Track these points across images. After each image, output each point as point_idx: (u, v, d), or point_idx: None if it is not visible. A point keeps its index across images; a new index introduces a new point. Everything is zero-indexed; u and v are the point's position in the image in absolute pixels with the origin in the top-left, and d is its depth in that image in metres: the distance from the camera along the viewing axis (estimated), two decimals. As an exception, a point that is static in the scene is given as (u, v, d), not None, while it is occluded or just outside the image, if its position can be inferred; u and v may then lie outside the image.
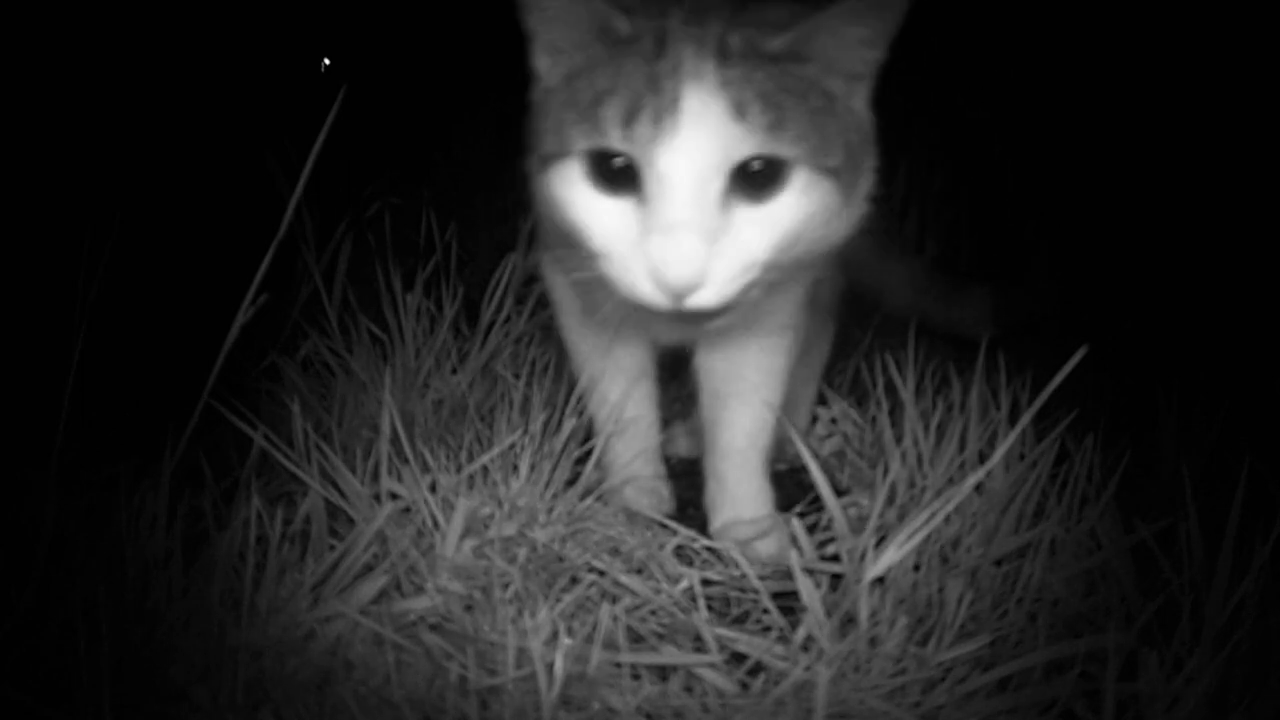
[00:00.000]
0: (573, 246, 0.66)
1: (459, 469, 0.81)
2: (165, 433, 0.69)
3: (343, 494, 0.76)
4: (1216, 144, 1.24)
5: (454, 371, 1.00)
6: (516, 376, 0.99)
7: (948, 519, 0.72)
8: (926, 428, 0.82)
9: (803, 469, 0.78)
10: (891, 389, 0.86)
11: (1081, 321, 1.06)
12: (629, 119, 0.58)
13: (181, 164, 1.13)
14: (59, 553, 0.64)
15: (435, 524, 0.75)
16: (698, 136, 0.58)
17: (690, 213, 0.58)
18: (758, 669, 0.66)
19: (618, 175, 0.60)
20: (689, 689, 0.65)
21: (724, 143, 0.58)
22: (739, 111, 0.58)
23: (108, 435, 0.71)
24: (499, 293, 1.05)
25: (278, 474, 0.78)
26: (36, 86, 1.07)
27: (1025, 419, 0.66)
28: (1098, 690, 0.58)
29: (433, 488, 0.78)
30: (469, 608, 0.70)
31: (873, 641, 0.67)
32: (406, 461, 0.78)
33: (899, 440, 0.80)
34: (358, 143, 1.02)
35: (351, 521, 0.74)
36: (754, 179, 0.60)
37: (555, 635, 0.67)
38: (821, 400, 1.04)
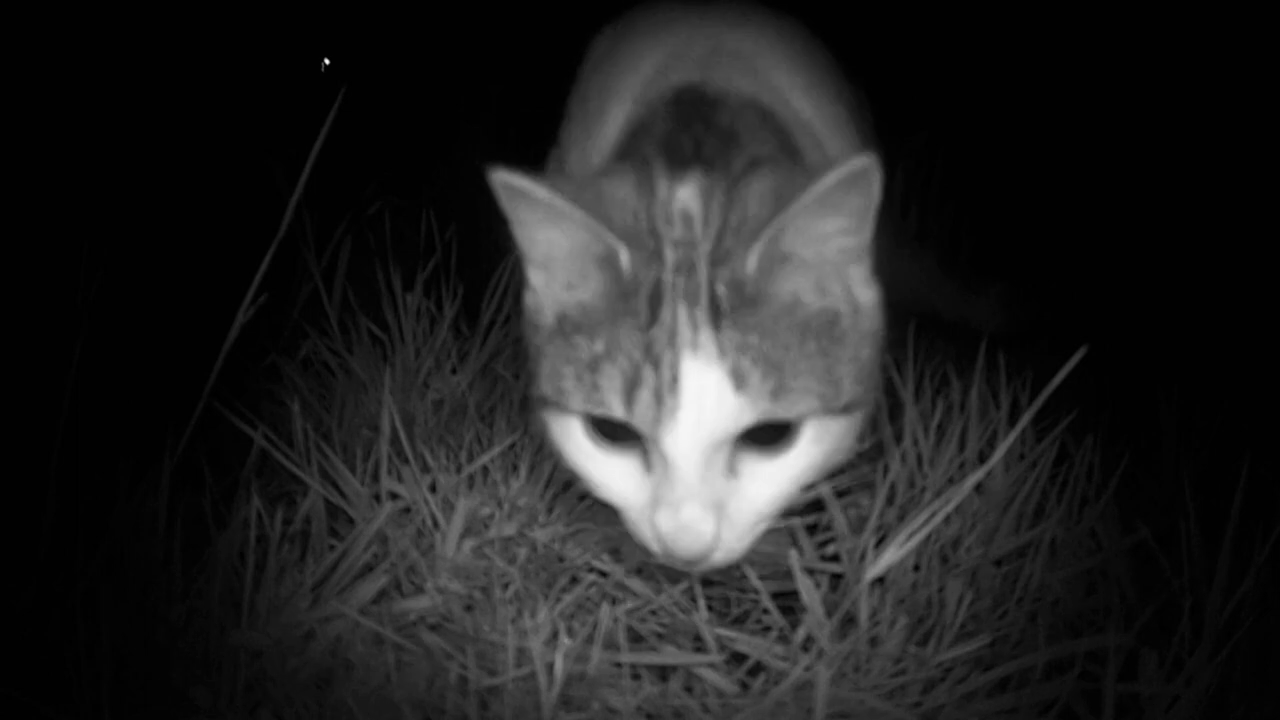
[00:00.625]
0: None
1: (459, 469, 0.81)
2: (165, 433, 0.69)
3: (343, 494, 0.76)
4: (1216, 144, 1.24)
5: (454, 371, 1.00)
6: (516, 376, 0.99)
7: (948, 519, 0.71)
8: (926, 428, 0.82)
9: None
10: (891, 389, 0.86)
11: (1081, 321, 1.06)
12: (629, 393, 0.54)
13: (181, 164, 1.13)
14: (59, 553, 0.64)
15: (435, 524, 0.75)
16: (701, 417, 0.53)
17: (695, 487, 0.55)
18: (758, 669, 0.66)
19: (620, 430, 0.56)
20: (689, 689, 0.65)
21: (727, 417, 0.54)
22: (739, 382, 0.53)
23: (108, 435, 0.71)
24: (499, 293, 1.05)
25: (278, 474, 0.78)
26: (36, 87, 1.07)
27: (1025, 419, 0.66)
28: (1098, 690, 0.58)
29: (433, 488, 0.78)
30: (469, 608, 0.70)
31: (873, 641, 0.67)
32: (406, 461, 0.78)
33: (899, 440, 0.80)
34: (358, 143, 1.02)
35: (351, 521, 0.75)
36: (762, 434, 0.56)
37: (555, 635, 0.67)
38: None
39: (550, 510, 0.79)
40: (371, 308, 1.02)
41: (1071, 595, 0.69)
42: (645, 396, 0.54)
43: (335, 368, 1.00)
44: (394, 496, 0.77)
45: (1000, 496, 0.75)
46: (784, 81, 0.68)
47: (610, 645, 0.65)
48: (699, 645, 0.68)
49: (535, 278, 0.59)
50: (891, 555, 0.67)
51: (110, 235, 0.80)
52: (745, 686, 0.65)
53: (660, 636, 0.70)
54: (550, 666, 0.61)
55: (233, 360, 0.71)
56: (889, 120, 0.81)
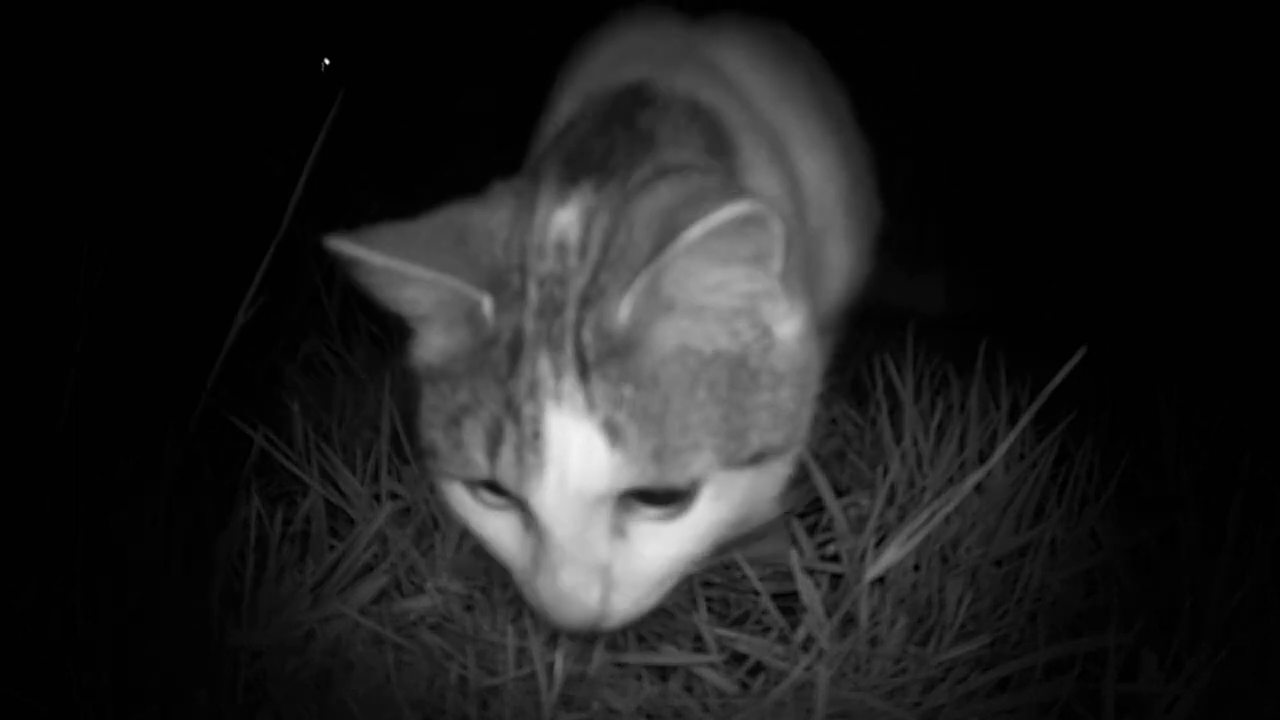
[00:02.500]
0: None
1: (459, 469, 0.81)
2: (165, 433, 0.69)
3: (343, 494, 0.76)
4: (1216, 144, 1.24)
5: (454, 371, 1.00)
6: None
7: (948, 519, 0.72)
8: (926, 428, 0.82)
9: (803, 469, 0.78)
10: (891, 389, 0.86)
11: (1081, 321, 1.06)
12: (491, 449, 0.48)
13: (182, 164, 1.13)
14: (59, 553, 0.64)
15: (435, 524, 0.75)
16: (569, 474, 0.47)
17: (572, 551, 0.49)
18: (758, 669, 0.66)
19: (505, 490, 0.50)
20: (689, 689, 0.65)
21: (600, 477, 0.47)
22: (613, 438, 0.47)
23: (108, 435, 0.71)
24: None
25: (278, 474, 0.78)
26: (37, 87, 1.07)
27: (1025, 419, 0.66)
28: (1098, 690, 0.58)
29: (433, 488, 0.78)
30: (469, 608, 0.70)
31: (873, 641, 0.67)
32: (406, 461, 0.78)
33: (899, 440, 0.80)
34: (357, 143, 1.02)
35: (351, 521, 0.75)
36: (652, 494, 0.49)
37: (555, 635, 0.67)
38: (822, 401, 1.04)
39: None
40: (371, 308, 1.02)
41: (1071, 595, 0.69)
42: (508, 453, 0.48)
43: (335, 368, 1.00)
44: (394, 496, 0.77)
45: (1000, 496, 0.75)
46: (759, 90, 0.65)
47: (610, 645, 0.65)
48: (699, 645, 0.68)
49: (412, 326, 0.54)
50: (891, 555, 0.67)
51: (110, 235, 0.80)
52: (745, 686, 0.65)
53: (660, 637, 0.70)
54: (550, 666, 0.61)
55: (233, 360, 0.71)
56: (889, 120, 0.81)
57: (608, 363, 0.48)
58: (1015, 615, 0.69)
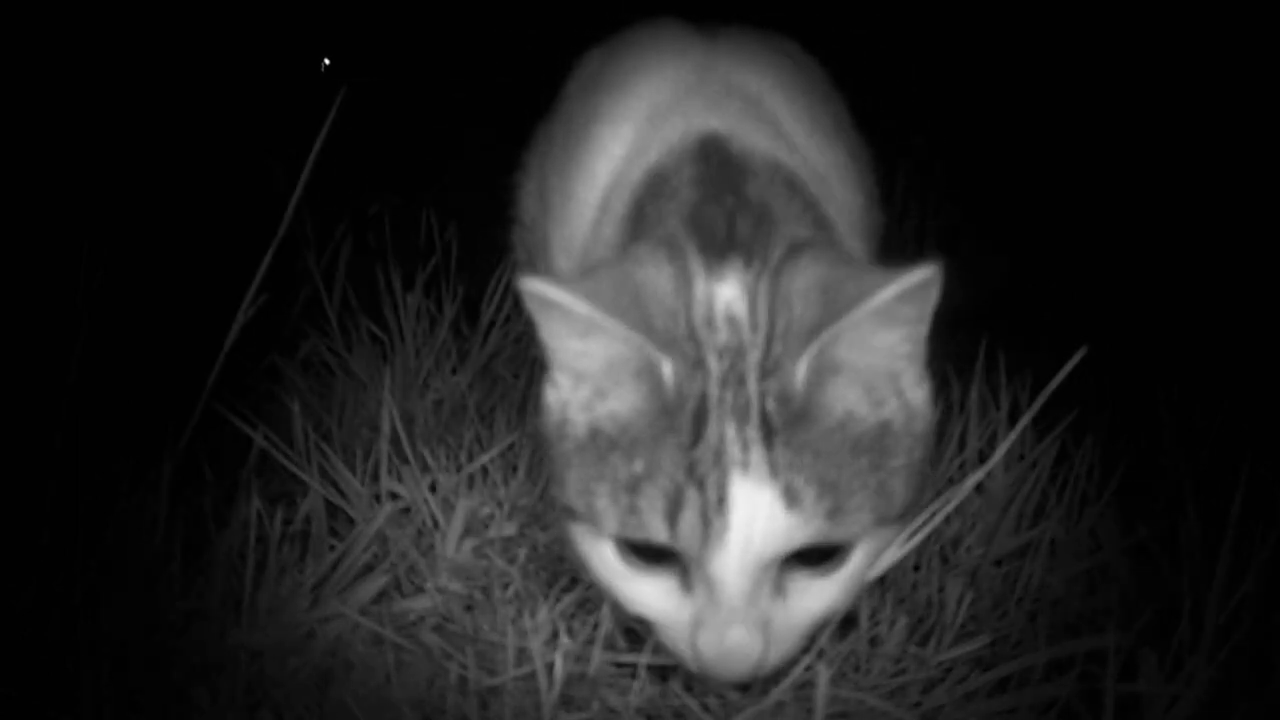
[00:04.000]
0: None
1: (459, 469, 0.81)
2: (165, 433, 0.69)
3: (343, 494, 0.76)
4: (1215, 144, 1.24)
5: (454, 371, 1.00)
6: (516, 376, 0.99)
7: (948, 519, 0.71)
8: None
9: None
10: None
11: (1081, 321, 1.06)
12: (672, 516, 0.50)
13: (182, 164, 1.13)
14: (59, 553, 0.64)
15: (435, 524, 0.75)
16: (750, 535, 0.50)
17: (742, 610, 0.51)
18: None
19: (656, 550, 0.52)
20: (689, 689, 0.65)
21: (779, 539, 0.50)
22: (791, 501, 0.49)
23: (108, 435, 0.71)
24: (499, 293, 1.05)
25: (278, 474, 0.78)
26: (37, 87, 1.07)
27: (1025, 419, 0.66)
28: (1098, 690, 0.58)
29: (433, 488, 0.78)
30: (469, 608, 0.70)
31: (873, 641, 0.67)
32: (406, 461, 0.78)
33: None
34: (358, 143, 1.02)
35: (351, 521, 0.75)
36: (812, 552, 0.52)
37: (555, 635, 0.67)
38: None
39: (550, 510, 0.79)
40: (371, 308, 1.02)
41: (1071, 595, 0.69)
42: (690, 518, 0.50)
43: (335, 368, 1.00)
44: (394, 496, 0.77)
45: (1000, 496, 0.75)
46: (792, 126, 0.65)
47: (610, 645, 0.65)
48: (699, 645, 0.68)
49: (561, 379, 0.54)
50: (891, 555, 0.67)
51: (110, 235, 0.80)
52: (745, 687, 0.65)
53: (660, 636, 0.70)
54: (550, 666, 0.61)
55: (233, 360, 0.71)
56: (889, 120, 0.81)
57: (789, 430, 0.50)
58: (1015, 615, 0.69)
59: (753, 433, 0.50)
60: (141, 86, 1.17)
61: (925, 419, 0.55)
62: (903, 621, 0.67)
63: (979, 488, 0.74)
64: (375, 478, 0.78)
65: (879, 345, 0.51)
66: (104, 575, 0.62)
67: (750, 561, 0.50)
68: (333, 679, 0.62)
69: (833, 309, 0.49)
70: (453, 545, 0.73)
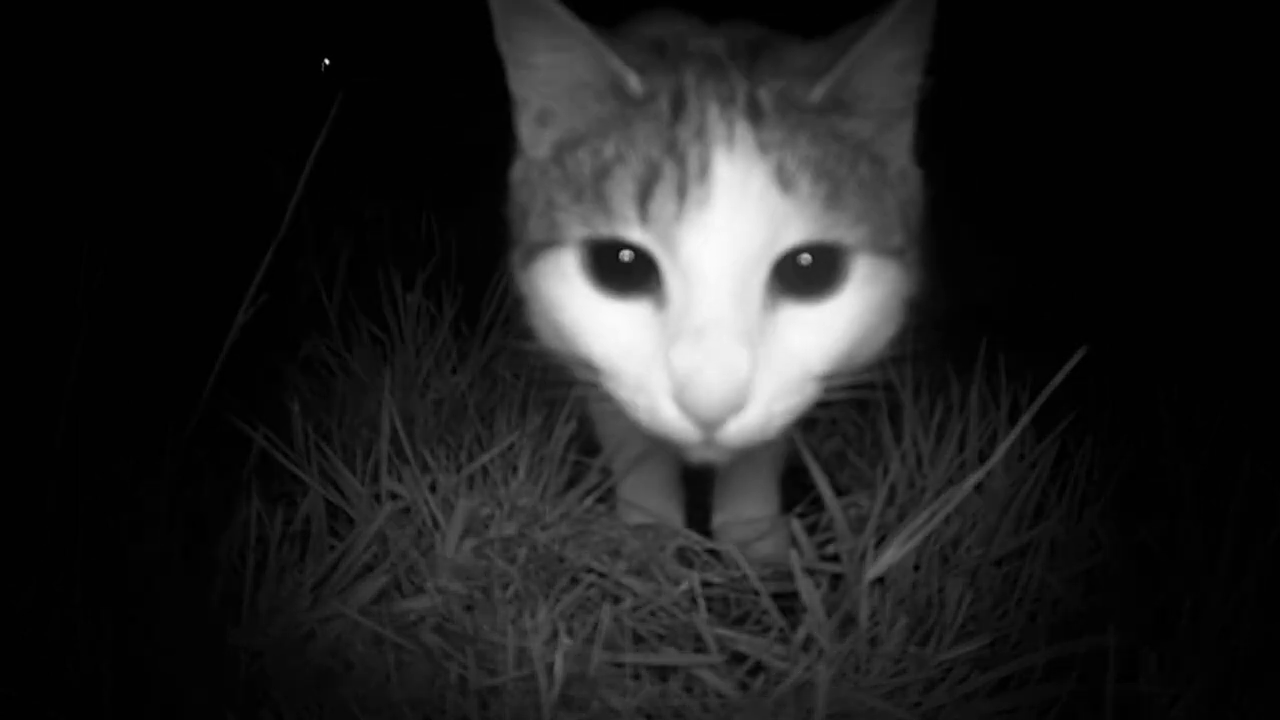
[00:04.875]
0: (569, 355, 0.52)
1: (459, 469, 0.81)
2: (165, 433, 0.69)
3: (343, 494, 0.76)
4: (1216, 144, 1.24)
5: (454, 371, 1.00)
6: (516, 376, 0.99)
7: (948, 519, 0.72)
8: (926, 428, 0.82)
9: (803, 469, 0.78)
10: (891, 389, 0.86)
11: (1081, 321, 1.06)
12: (644, 195, 0.45)
13: (182, 164, 1.13)
14: (59, 553, 0.64)
15: (435, 524, 0.75)
16: (735, 213, 0.45)
17: (726, 311, 0.45)
18: (758, 669, 0.66)
19: (627, 271, 0.47)
20: (689, 689, 0.65)
21: (769, 222, 0.45)
22: (785, 183, 0.45)
23: (108, 435, 0.71)
24: (499, 293, 1.05)
25: (278, 474, 0.78)
26: (37, 87, 1.07)
27: (1025, 419, 0.66)
28: (1098, 690, 0.58)
29: (433, 488, 0.78)
30: (469, 608, 0.70)
31: (873, 641, 0.67)
32: (406, 461, 0.78)
33: (899, 440, 0.80)
34: (358, 143, 1.02)
35: (351, 521, 0.74)
36: (804, 273, 0.47)
37: (555, 635, 0.67)
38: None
39: (552, 510, 0.79)
40: (371, 308, 1.02)
41: (1071, 595, 0.69)
42: (664, 196, 0.45)
43: (335, 368, 1.00)
44: (394, 496, 0.77)
45: (1000, 496, 0.75)
46: None
47: (610, 646, 0.65)
48: (699, 645, 0.68)
49: (527, 132, 0.52)
50: (891, 555, 0.67)
51: (110, 235, 0.80)
52: (745, 687, 0.65)
53: (660, 637, 0.70)
54: (550, 667, 0.61)
55: (233, 360, 0.71)
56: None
57: (782, 114, 0.47)
58: (1015, 615, 0.69)
59: (738, 113, 0.47)
60: (142, 87, 1.17)
61: (915, 187, 0.54)
62: (903, 621, 0.67)
63: (979, 488, 0.74)
64: (375, 478, 0.78)
65: (891, 63, 0.49)
66: (104, 575, 0.62)
67: (737, 245, 0.45)
68: (333, 679, 0.62)
69: (838, 46, 0.49)
70: (453, 545, 0.73)
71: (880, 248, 0.49)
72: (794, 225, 0.46)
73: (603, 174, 0.47)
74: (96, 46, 1.15)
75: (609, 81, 0.48)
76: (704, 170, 0.45)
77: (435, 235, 1.12)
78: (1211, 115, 1.26)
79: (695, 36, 0.56)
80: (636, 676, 0.65)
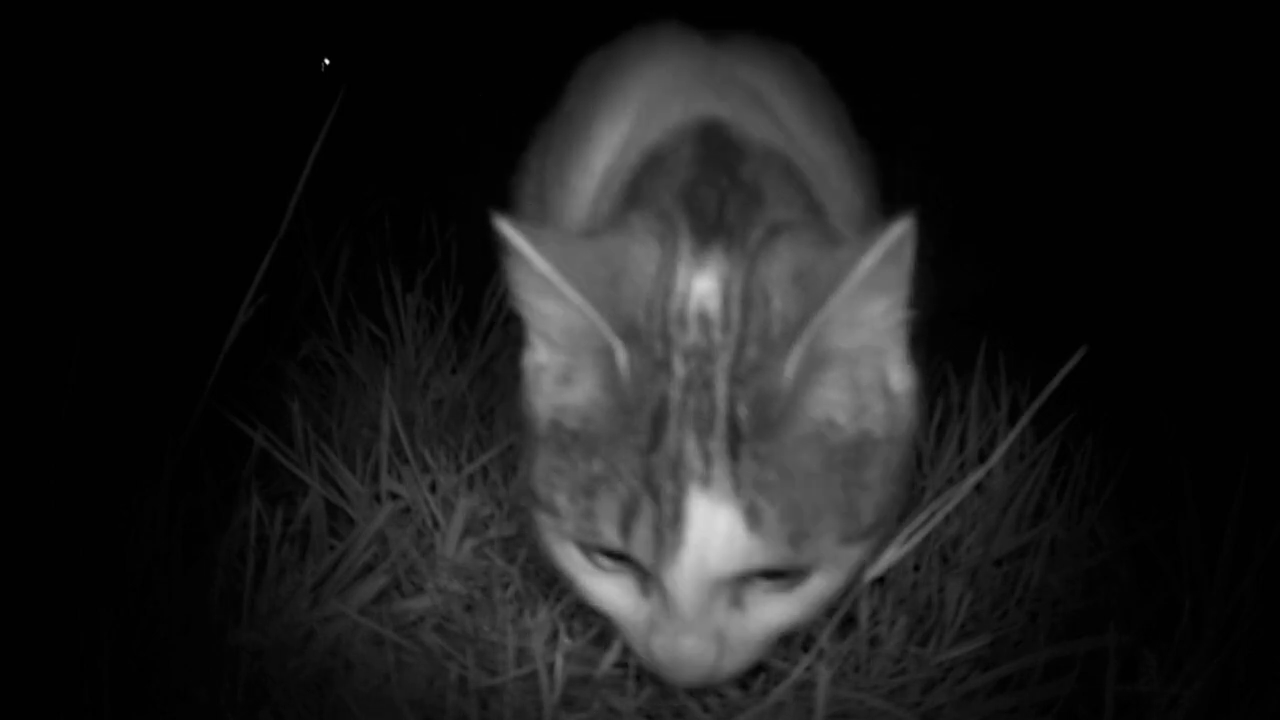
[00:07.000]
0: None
1: (459, 469, 0.81)
2: (165, 433, 0.69)
3: (343, 494, 0.76)
4: (1216, 145, 1.24)
5: (454, 371, 1.00)
6: (516, 377, 0.98)
7: (948, 519, 0.72)
8: (926, 428, 0.82)
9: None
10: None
11: (1081, 321, 1.06)
12: (625, 525, 0.48)
13: (182, 164, 1.13)
14: (59, 553, 0.64)
15: (435, 524, 0.75)
16: (706, 549, 0.48)
17: (696, 622, 0.50)
18: (758, 669, 0.66)
19: (616, 555, 0.51)
20: (689, 689, 0.65)
21: (736, 560, 0.48)
22: (753, 522, 0.47)
23: (108, 436, 0.71)
24: (499, 293, 1.05)
25: (278, 474, 0.78)
26: (36, 86, 1.07)
27: (1025, 419, 0.66)
28: (1098, 690, 0.58)
29: (433, 488, 0.78)
30: (469, 608, 0.70)
31: (873, 641, 0.67)
32: (406, 461, 0.78)
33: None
34: (358, 142, 1.02)
35: (351, 521, 0.75)
36: (770, 573, 0.51)
37: (556, 635, 0.67)
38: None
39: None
40: (371, 308, 1.02)
41: (1071, 595, 0.69)
42: (643, 531, 0.48)
43: (335, 368, 1.00)
44: (394, 496, 0.77)
45: (1000, 496, 0.75)
46: (794, 121, 0.65)
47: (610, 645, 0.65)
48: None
49: (536, 341, 0.53)
50: (891, 555, 0.67)
51: (110, 234, 0.80)
52: (745, 686, 0.65)
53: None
54: (551, 667, 0.61)
55: (233, 360, 0.71)
56: (888, 120, 0.81)
57: (759, 440, 0.48)
58: (1015, 615, 0.69)
59: (716, 444, 0.48)
60: (141, 86, 1.17)
61: (908, 413, 0.52)
62: (903, 621, 0.67)
63: (979, 488, 0.74)
64: (375, 478, 0.78)
65: (867, 318, 0.49)
66: (104, 575, 0.62)
67: (706, 580, 0.49)
68: (333, 679, 0.62)
69: (816, 295, 0.47)
70: (453, 545, 0.73)
71: (846, 542, 0.50)
72: (760, 557, 0.48)
73: (591, 490, 0.49)
74: (96, 46, 1.15)
75: (601, 345, 0.50)
76: (677, 516, 0.48)
77: (435, 235, 1.12)
78: (1211, 115, 1.26)
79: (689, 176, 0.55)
80: (637, 677, 0.65)
